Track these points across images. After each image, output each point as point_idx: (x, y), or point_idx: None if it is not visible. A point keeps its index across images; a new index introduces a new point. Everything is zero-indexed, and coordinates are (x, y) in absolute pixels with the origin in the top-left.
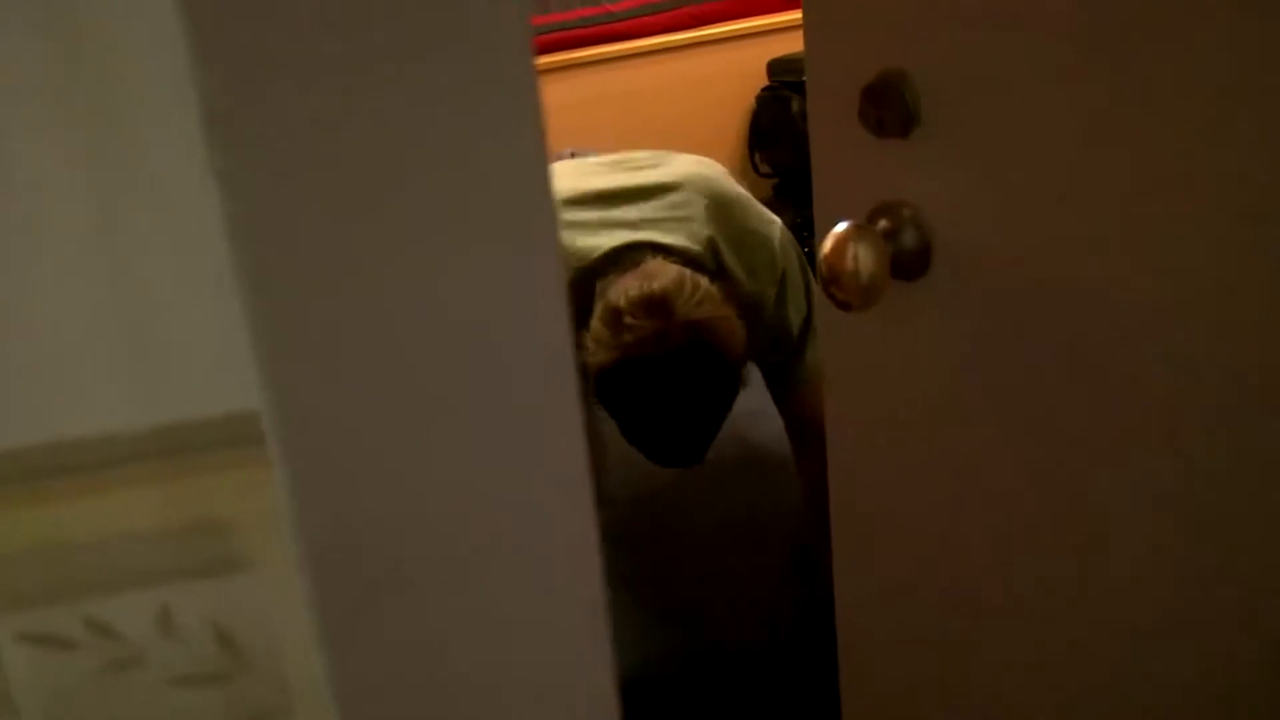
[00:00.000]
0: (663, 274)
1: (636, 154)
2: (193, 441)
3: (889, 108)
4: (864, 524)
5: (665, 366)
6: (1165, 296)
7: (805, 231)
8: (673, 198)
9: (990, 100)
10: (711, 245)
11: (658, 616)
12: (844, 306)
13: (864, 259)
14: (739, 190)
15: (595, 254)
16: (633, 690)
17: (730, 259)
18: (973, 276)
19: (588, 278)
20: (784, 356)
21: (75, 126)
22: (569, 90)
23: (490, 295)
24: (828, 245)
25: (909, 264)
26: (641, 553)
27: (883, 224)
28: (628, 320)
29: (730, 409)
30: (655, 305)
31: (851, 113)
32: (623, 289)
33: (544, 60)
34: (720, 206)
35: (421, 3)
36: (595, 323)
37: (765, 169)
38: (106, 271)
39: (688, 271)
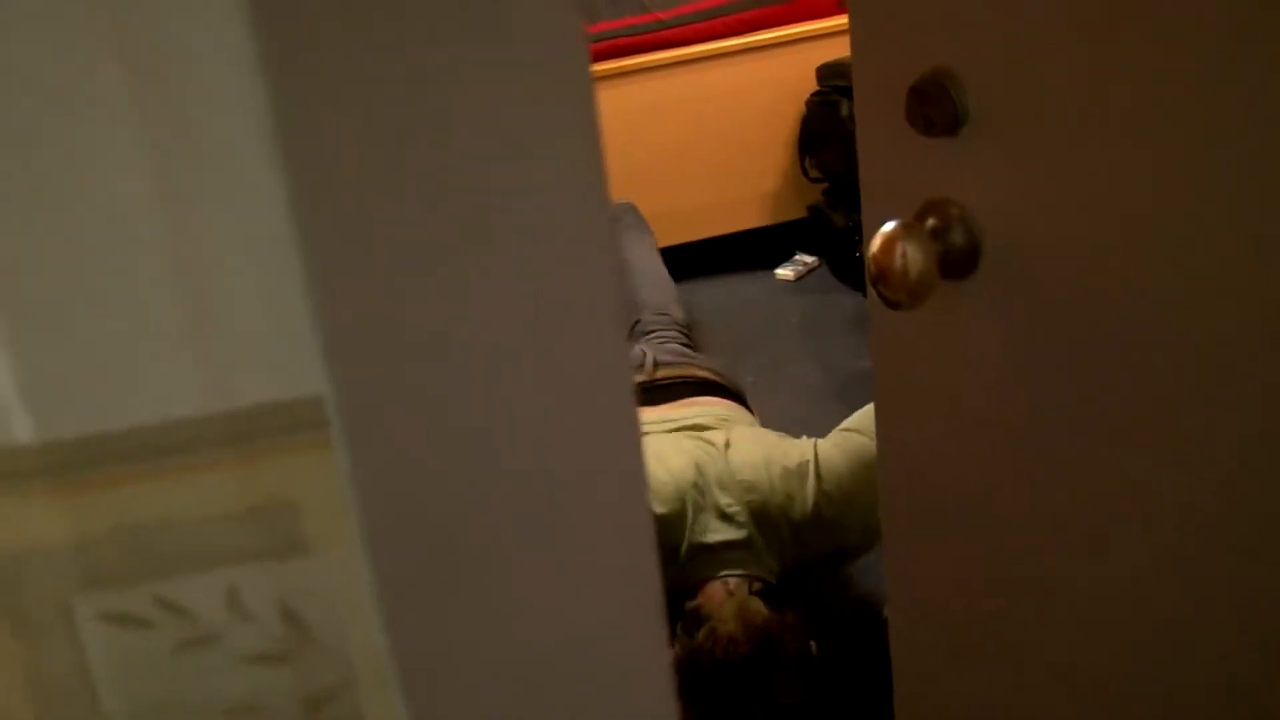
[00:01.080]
0: (749, 628)
1: (700, 418)
2: (260, 426)
3: (937, 106)
4: (914, 520)
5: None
6: (1219, 300)
7: (857, 235)
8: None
9: (1040, 98)
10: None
11: None
12: (893, 305)
13: (912, 257)
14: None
15: (677, 542)
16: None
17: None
18: (1022, 275)
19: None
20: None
21: (144, 125)
22: (618, 99)
23: (547, 284)
24: (876, 244)
25: (958, 262)
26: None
27: (931, 222)
28: (716, 693)
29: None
30: (742, 675)
31: (899, 112)
32: (710, 643)
33: (598, 68)
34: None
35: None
36: (677, 668)
37: (815, 174)
38: (175, 262)
39: (773, 626)
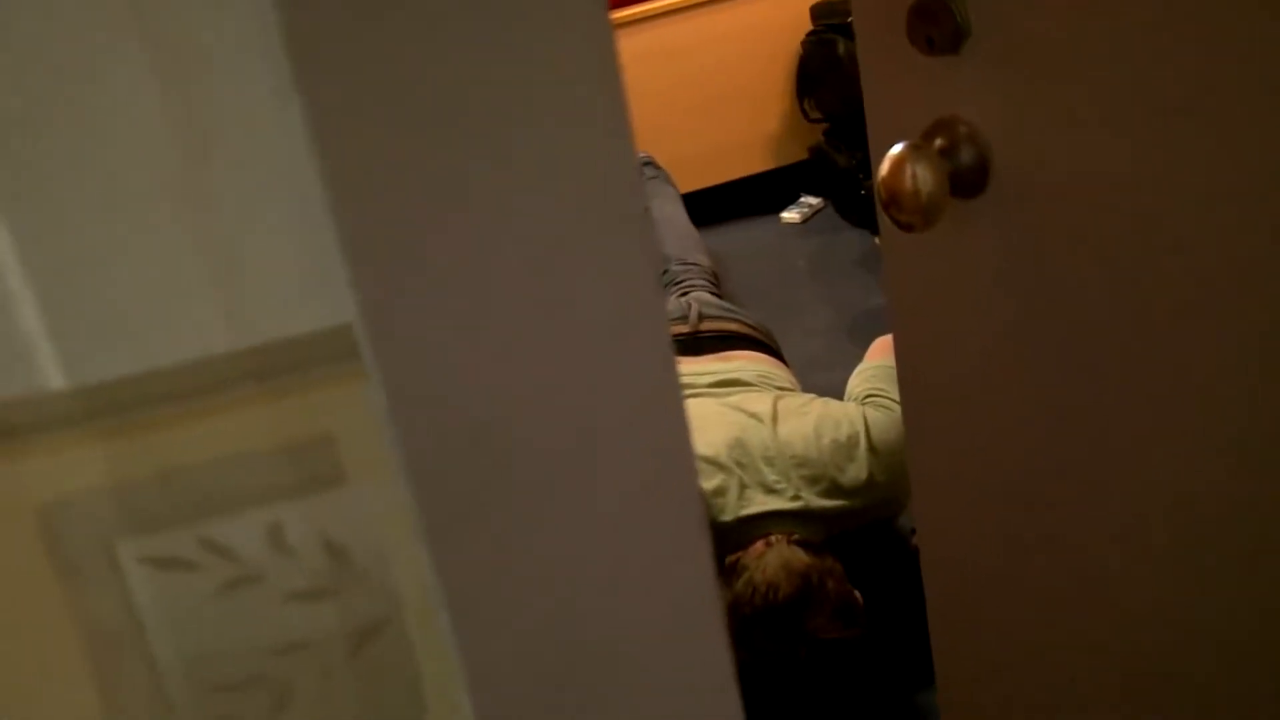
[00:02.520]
0: (790, 574)
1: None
2: (292, 359)
3: (938, 24)
4: (939, 448)
5: (794, 670)
6: (1225, 212)
7: (861, 174)
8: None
9: (1041, 8)
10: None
11: None
12: (906, 228)
13: (922, 178)
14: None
15: (722, 516)
16: None
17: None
18: (1032, 190)
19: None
20: None
21: (161, 62)
22: None
23: (576, 201)
24: (885, 167)
25: (968, 181)
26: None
27: (939, 142)
28: (757, 638)
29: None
30: (784, 616)
31: (899, 33)
32: (749, 591)
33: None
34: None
35: None
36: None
37: (815, 115)
38: (197, 199)
39: (814, 572)
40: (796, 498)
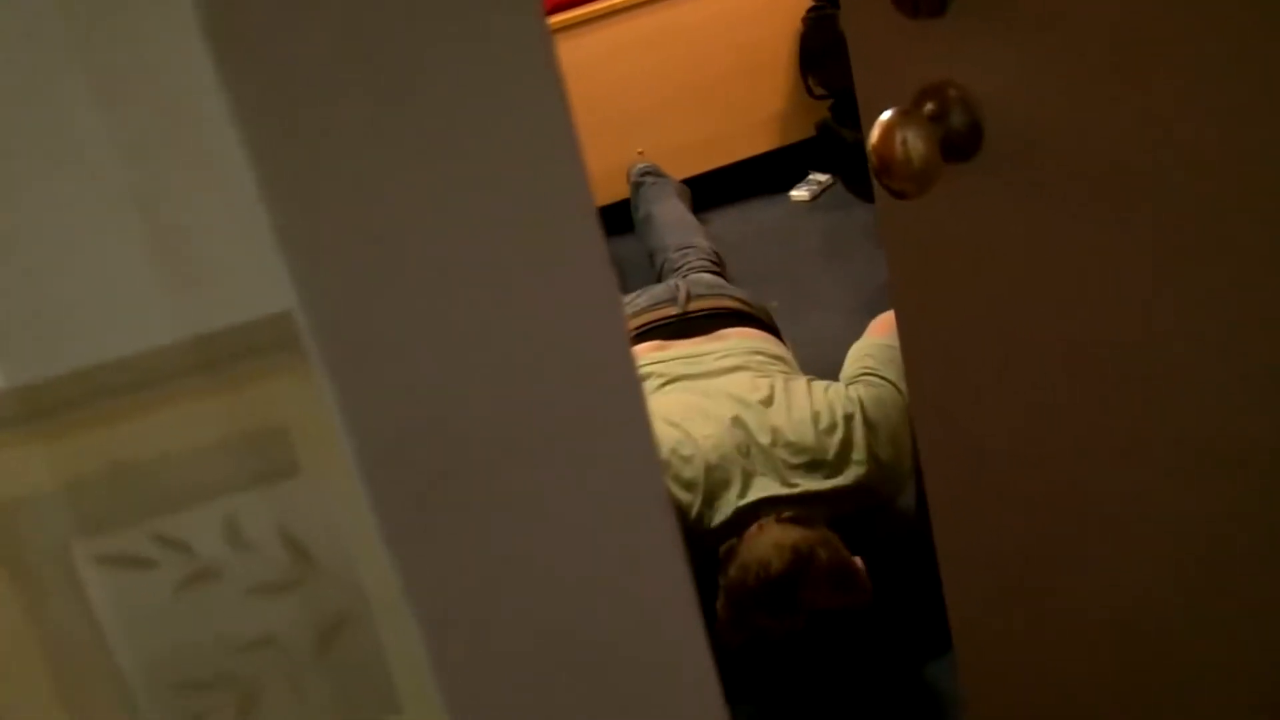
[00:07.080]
0: (780, 549)
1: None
2: (236, 348)
3: None
4: (943, 418)
5: (799, 643)
6: (1228, 167)
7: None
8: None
9: None
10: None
11: None
12: (899, 195)
13: (913, 144)
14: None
15: (712, 523)
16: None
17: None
18: (1026, 151)
19: (709, 540)
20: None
21: (96, 58)
22: (614, 37)
23: (516, 184)
24: (875, 134)
25: (960, 144)
26: None
27: (929, 107)
28: (756, 618)
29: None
30: (779, 591)
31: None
32: (742, 572)
33: (586, 10)
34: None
35: None
36: (721, 606)
37: (820, 91)
38: (136, 192)
39: (804, 544)
40: (794, 484)
